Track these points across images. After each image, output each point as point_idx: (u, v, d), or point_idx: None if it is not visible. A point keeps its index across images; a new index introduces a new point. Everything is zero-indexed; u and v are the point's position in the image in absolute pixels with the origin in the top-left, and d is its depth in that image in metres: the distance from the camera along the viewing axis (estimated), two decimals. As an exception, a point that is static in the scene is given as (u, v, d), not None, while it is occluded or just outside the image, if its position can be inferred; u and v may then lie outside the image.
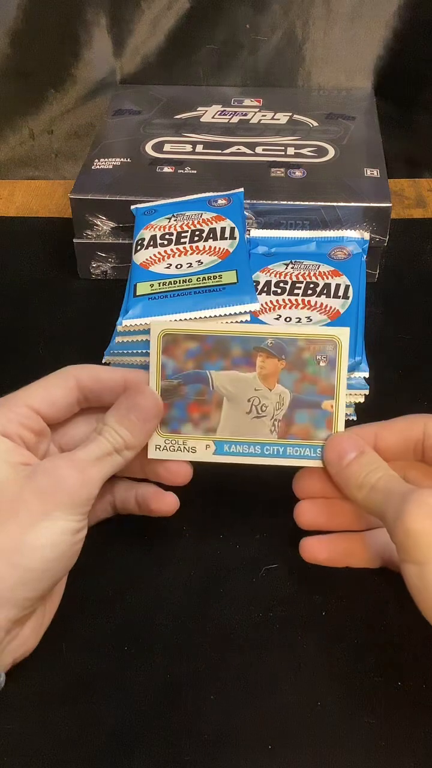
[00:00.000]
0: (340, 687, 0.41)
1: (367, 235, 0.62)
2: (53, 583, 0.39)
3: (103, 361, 0.53)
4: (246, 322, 0.51)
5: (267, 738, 0.39)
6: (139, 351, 0.52)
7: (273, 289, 0.56)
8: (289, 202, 0.65)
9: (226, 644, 0.43)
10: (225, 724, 0.40)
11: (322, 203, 0.65)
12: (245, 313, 0.50)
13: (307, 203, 0.65)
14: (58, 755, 0.39)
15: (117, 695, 0.41)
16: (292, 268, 0.58)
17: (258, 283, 0.57)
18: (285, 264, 0.59)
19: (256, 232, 0.62)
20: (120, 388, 0.43)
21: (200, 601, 0.45)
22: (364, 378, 0.51)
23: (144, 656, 0.42)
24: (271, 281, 0.57)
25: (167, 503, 0.45)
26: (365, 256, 0.60)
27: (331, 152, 0.72)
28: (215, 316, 0.51)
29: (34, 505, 0.38)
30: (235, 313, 0.50)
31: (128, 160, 0.71)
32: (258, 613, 0.44)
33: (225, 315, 0.50)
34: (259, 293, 0.57)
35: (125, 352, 0.52)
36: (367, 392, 0.51)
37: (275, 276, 0.58)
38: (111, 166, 0.70)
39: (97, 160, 0.70)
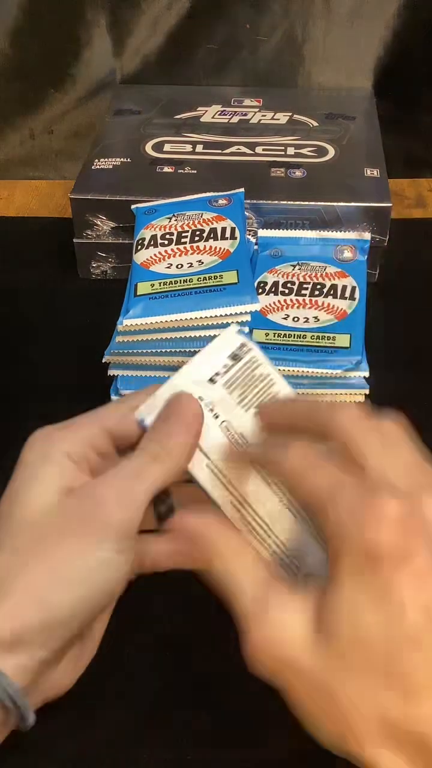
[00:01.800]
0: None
1: (367, 236, 0.62)
2: (87, 622, 0.35)
3: (104, 361, 0.53)
4: (248, 322, 0.51)
5: (267, 737, 0.39)
6: (140, 351, 0.52)
7: (281, 289, 0.57)
8: (289, 202, 0.65)
9: (227, 643, 0.43)
10: (225, 724, 0.40)
11: (322, 203, 0.65)
12: (246, 313, 0.50)
13: (307, 203, 0.65)
14: (58, 755, 0.39)
15: (117, 695, 0.41)
16: (299, 269, 0.59)
17: (266, 283, 0.58)
18: (292, 265, 0.59)
19: (263, 232, 0.62)
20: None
21: (201, 600, 0.45)
22: (364, 378, 0.51)
23: (144, 655, 0.42)
24: (278, 282, 0.58)
25: None
26: (366, 256, 0.60)
27: (331, 152, 0.72)
28: (216, 316, 0.51)
29: (70, 538, 0.34)
30: (236, 313, 0.50)
31: (128, 160, 0.71)
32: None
33: (226, 315, 0.50)
34: (267, 293, 0.57)
35: (126, 351, 0.52)
36: (367, 392, 0.51)
37: (283, 277, 0.58)
38: (111, 166, 0.70)
39: (97, 160, 0.70)
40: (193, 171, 0.69)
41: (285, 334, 0.54)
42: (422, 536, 0.29)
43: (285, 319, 0.55)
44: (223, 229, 0.58)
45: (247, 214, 0.64)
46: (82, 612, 0.34)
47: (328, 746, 0.31)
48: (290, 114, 0.78)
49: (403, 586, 0.29)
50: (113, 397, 0.53)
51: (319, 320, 0.55)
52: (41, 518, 0.34)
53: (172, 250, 0.56)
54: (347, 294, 0.57)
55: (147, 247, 0.57)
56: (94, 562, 0.34)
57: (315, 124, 0.76)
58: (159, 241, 0.57)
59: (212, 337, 0.51)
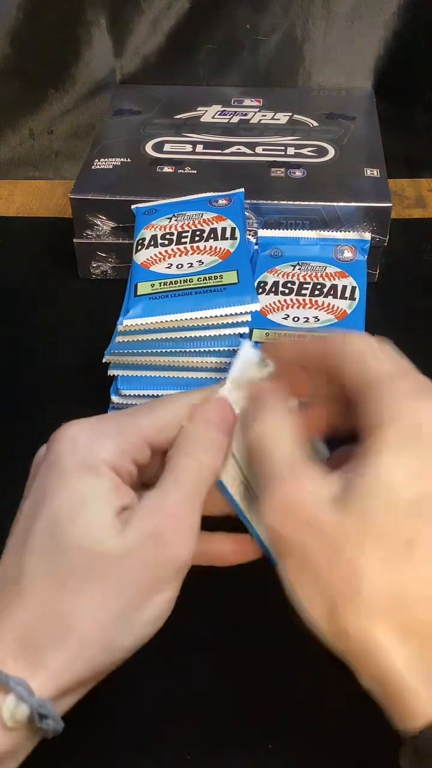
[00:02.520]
0: (342, 686, 0.41)
1: (367, 236, 0.62)
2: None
3: (104, 361, 0.53)
4: (248, 322, 0.51)
5: (267, 737, 0.39)
6: (140, 351, 0.52)
7: (281, 289, 0.57)
8: (289, 202, 0.65)
9: (228, 643, 0.43)
10: (226, 724, 0.40)
11: (322, 203, 0.65)
12: (246, 313, 0.50)
13: (307, 203, 0.65)
14: (59, 755, 0.39)
15: (118, 694, 0.41)
16: (299, 269, 0.59)
17: (266, 283, 0.58)
18: (292, 265, 0.59)
19: (263, 232, 0.62)
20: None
21: (202, 599, 0.45)
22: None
23: (144, 655, 0.42)
24: (278, 281, 0.58)
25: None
26: (366, 256, 0.60)
27: (331, 152, 0.72)
28: (216, 316, 0.50)
29: (139, 583, 0.32)
30: (236, 313, 0.50)
31: (128, 160, 0.71)
32: (261, 612, 0.44)
33: (226, 315, 0.50)
34: (267, 293, 0.57)
35: (126, 351, 0.52)
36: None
37: (283, 276, 0.58)
38: (111, 166, 0.70)
39: (97, 160, 0.70)
40: (193, 171, 0.69)
41: (285, 335, 0.54)
42: None
43: (285, 319, 0.55)
44: (223, 229, 0.57)
45: (247, 214, 0.64)
46: (138, 647, 0.33)
47: (311, 619, 0.30)
48: (290, 114, 0.78)
49: None
50: (113, 397, 0.53)
51: (319, 320, 0.55)
52: (101, 549, 0.32)
53: (172, 250, 0.56)
54: (347, 294, 0.57)
55: (147, 247, 0.57)
56: (161, 602, 0.33)
57: (315, 124, 0.76)
58: (159, 241, 0.57)
59: (212, 337, 0.51)
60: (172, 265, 0.55)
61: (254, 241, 0.62)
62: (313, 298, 0.57)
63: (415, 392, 0.32)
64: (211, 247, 0.56)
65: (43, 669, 0.30)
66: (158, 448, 0.36)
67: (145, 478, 0.37)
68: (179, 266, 0.54)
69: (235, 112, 0.79)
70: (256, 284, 0.58)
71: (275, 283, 0.58)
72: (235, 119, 0.78)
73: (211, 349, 0.51)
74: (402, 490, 0.30)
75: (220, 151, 0.72)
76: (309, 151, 0.72)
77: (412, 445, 0.30)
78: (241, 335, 0.51)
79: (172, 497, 0.34)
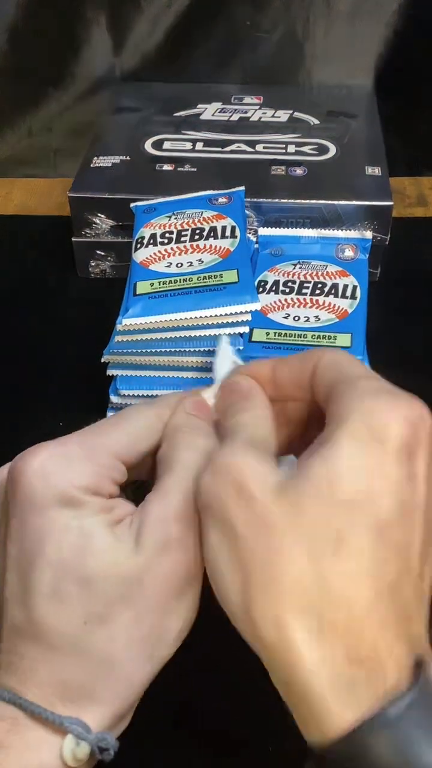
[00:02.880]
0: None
1: (368, 234, 0.61)
2: None
3: (103, 361, 0.53)
4: (248, 322, 0.51)
5: (267, 737, 0.39)
6: (139, 350, 0.52)
7: (281, 288, 0.57)
8: (289, 201, 0.65)
9: (228, 643, 0.42)
10: (225, 724, 0.39)
11: (323, 201, 0.65)
12: (246, 312, 0.50)
13: (308, 201, 0.65)
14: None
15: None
16: (300, 268, 0.59)
17: (266, 282, 0.58)
18: (293, 264, 0.59)
19: (264, 231, 0.62)
20: None
21: (202, 599, 0.44)
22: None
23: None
24: (279, 280, 0.58)
25: None
26: (367, 255, 0.60)
27: (332, 150, 0.71)
28: (216, 315, 0.50)
29: (168, 594, 0.32)
30: (236, 313, 0.50)
31: (128, 157, 0.70)
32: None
33: (226, 314, 0.50)
34: (267, 292, 0.57)
35: (125, 351, 0.52)
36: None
37: (283, 275, 0.58)
38: (110, 164, 0.69)
39: (96, 158, 0.70)
40: (193, 169, 0.68)
41: (286, 334, 0.54)
42: (426, 440, 0.30)
43: (286, 318, 0.55)
44: (224, 228, 0.57)
45: (247, 212, 0.63)
46: (177, 646, 0.33)
47: (224, 597, 0.29)
48: (291, 112, 0.78)
49: (394, 463, 0.29)
50: (112, 398, 0.53)
51: (320, 319, 0.54)
52: (118, 572, 0.31)
53: (171, 248, 0.56)
54: (348, 293, 0.57)
55: (146, 246, 0.56)
56: (189, 603, 0.32)
57: (316, 121, 0.76)
58: (159, 239, 0.57)
59: (212, 337, 0.51)
60: (171, 263, 0.54)
61: (254, 239, 0.62)
62: (314, 297, 0.56)
63: (378, 391, 0.31)
64: (211, 245, 0.56)
65: (95, 704, 0.30)
66: (131, 463, 0.35)
67: (133, 478, 0.36)
68: (179, 265, 0.54)
69: (236, 109, 0.78)
70: (256, 283, 0.57)
71: (276, 282, 0.58)
72: (236, 117, 0.77)
73: (211, 349, 0.51)
74: (343, 484, 0.29)
75: (220, 149, 0.71)
76: (310, 149, 0.71)
77: (365, 443, 0.29)
78: (241, 335, 0.51)
79: (176, 499, 0.33)
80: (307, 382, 0.34)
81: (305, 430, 0.36)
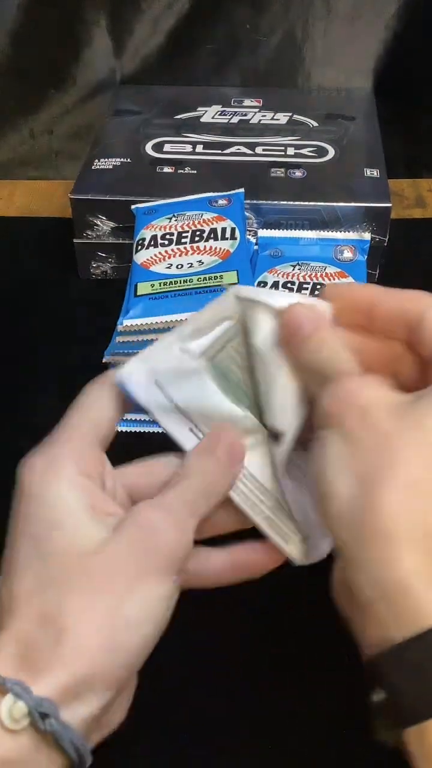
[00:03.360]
0: (341, 687, 0.41)
1: (367, 236, 0.62)
2: (146, 657, 0.33)
3: (104, 361, 0.53)
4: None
5: (268, 737, 0.39)
6: (140, 351, 0.52)
7: (281, 289, 0.57)
8: (289, 203, 0.65)
9: (227, 642, 0.43)
10: (225, 724, 0.40)
11: (322, 203, 0.65)
12: (246, 313, 0.50)
13: (307, 203, 0.65)
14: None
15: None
16: (299, 269, 0.59)
17: (265, 283, 0.58)
18: (292, 265, 0.59)
19: (263, 233, 0.62)
20: None
21: (202, 600, 0.45)
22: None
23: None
24: (278, 282, 0.58)
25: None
26: (365, 256, 0.60)
27: (331, 152, 0.72)
28: (216, 316, 0.50)
29: (127, 572, 0.31)
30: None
31: (128, 160, 0.71)
32: (261, 614, 0.44)
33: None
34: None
35: (126, 352, 0.52)
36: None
37: (282, 277, 0.58)
38: (111, 166, 0.70)
39: (97, 160, 0.70)
40: (193, 171, 0.69)
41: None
42: None
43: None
44: (223, 230, 0.58)
45: (247, 214, 0.64)
46: (145, 650, 0.32)
47: (338, 499, 0.30)
48: (290, 114, 0.78)
49: None
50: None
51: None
52: (90, 551, 0.32)
53: (172, 250, 0.56)
54: None
55: (147, 248, 0.57)
56: (156, 596, 0.32)
57: (315, 124, 0.76)
58: (159, 241, 0.57)
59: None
60: (172, 265, 0.55)
61: (254, 241, 0.62)
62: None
63: None
64: (211, 247, 0.56)
65: (42, 672, 0.30)
66: (108, 442, 0.36)
67: (137, 492, 0.36)
68: (179, 266, 0.55)
69: (235, 112, 0.79)
70: (255, 284, 0.58)
71: (275, 283, 0.58)
72: (235, 119, 0.78)
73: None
74: None
75: (220, 152, 0.72)
76: (309, 152, 0.72)
77: None
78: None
79: (169, 497, 0.34)
80: (412, 324, 0.35)
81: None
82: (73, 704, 0.30)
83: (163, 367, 0.36)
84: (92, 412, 0.36)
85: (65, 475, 0.33)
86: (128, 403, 0.36)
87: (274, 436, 0.37)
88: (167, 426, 0.36)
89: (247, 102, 0.81)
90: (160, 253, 0.56)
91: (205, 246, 0.56)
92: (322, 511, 0.31)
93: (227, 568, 0.36)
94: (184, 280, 0.53)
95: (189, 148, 0.72)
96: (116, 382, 0.36)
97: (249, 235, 0.62)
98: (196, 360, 0.37)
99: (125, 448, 0.37)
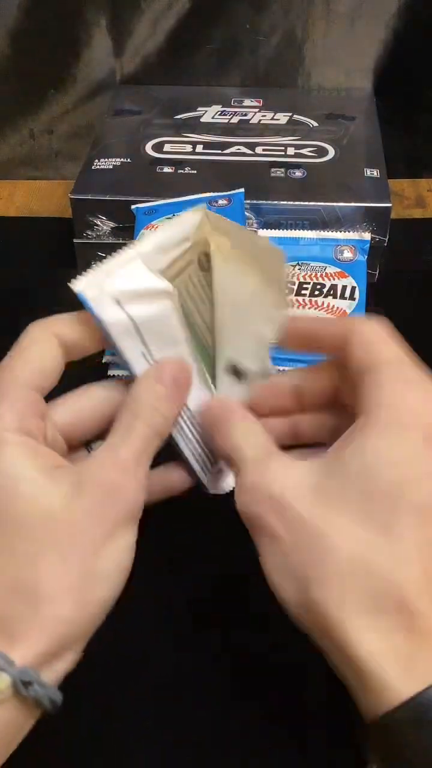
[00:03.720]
0: (341, 687, 0.41)
1: (367, 236, 0.62)
2: (115, 602, 0.34)
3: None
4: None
5: (266, 739, 0.39)
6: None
7: None
8: (289, 202, 0.65)
9: (226, 643, 0.43)
10: (224, 724, 0.40)
11: (322, 203, 0.65)
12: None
13: (307, 203, 0.65)
14: (57, 755, 0.39)
15: (116, 695, 0.41)
16: (299, 269, 0.59)
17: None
18: (292, 265, 0.59)
19: (263, 232, 0.62)
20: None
21: (202, 601, 0.45)
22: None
23: (143, 656, 0.42)
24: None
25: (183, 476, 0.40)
26: (365, 256, 0.60)
27: (331, 152, 0.72)
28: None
29: (93, 531, 0.32)
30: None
31: (128, 160, 0.71)
32: (257, 614, 0.44)
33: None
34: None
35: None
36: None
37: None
38: (111, 166, 0.70)
39: (97, 161, 0.70)
40: (193, 171, 0.69)
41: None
42: None
43: None
44: (223, 230, 0.58)
45: (247, 214, 0.64)
46: (114, 598, 0.33)
47: (281, 596, 0.31)
48: (290, 114, 0.78)
49: (430, 448, 0.30)
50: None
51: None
52: (53, 515, 0.32)
53: (172, 250, 0.56)
54: (347, 294, 0.57)
55: (147, 248, 0.57)
56: (122, 547, 0.33)
57: (315, 124, 0.76)
58: (159, 241, 0.57)
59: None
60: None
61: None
62: (313, 299, 0.57)
63: (410, 380, 0.33)
64: (211, 247, 0.56)
65: (19, 640, 0.30)
66: (44, 391, 0.36)
67: (77, 441, 0.38)
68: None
69: (235, 112, 0.79)
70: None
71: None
72: (235, 119, 0.78)
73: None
74: (382, 476, 0.30)
75: (220, 152, 0.72)
76: (309, 152, 0.72)
77: (398, 431, 0.31)
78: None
79: (123, 453, 0.34)
80: (341, 345, 0.35)
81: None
82: (53, 664, 0.31)
83: (123, 282, 0.36)
84: (33, 359, 0.36)
85: (9, 440, 0.33)
86: (77, 346, 0.37)
87: (234, 371, 0.39)
88: (121, 343, 0.36)
89: (247, 102, 0.81)
90: (160, 253, 0.56)
91: (205, 246, 0.56)
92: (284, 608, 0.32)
93: (155, 489, 0.38)
94: (184, 280, 0.53)
95: (189, 148, 0.72)
96: (76, 293, 0.35)
97: (249, 235, 0.62)
98: (160, 280, 0.36)
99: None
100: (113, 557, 0.33)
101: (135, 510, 0.34)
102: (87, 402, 0.38)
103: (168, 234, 0.37)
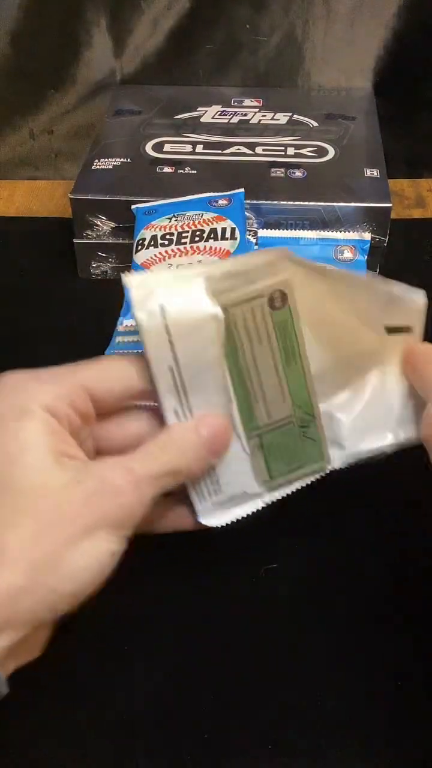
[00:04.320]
0: (341, 687, 0.41)
1: (367, 236, 0.62)
2: (76, 605, 0.34)
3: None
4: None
5: (267, 738, 0.39)
6: (141, 351, 0.52)
7: None
8: (289, 203, 0.65)
9: (226, 644, 0.43)
10: (225, 724, 0.40)
11: (322, 203, 0.65)
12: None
13: (307, 203, 0.65)
14: (57, 755, 0.39)
15: (116, 695, 0.41)
16: (175, 220, 0.59)
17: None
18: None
19: (263, 233, 0.62)
20: None
21: (201, 600, 0.45)
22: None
23: (143, 656, 0.42)
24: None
25: None
26: (366, 256, 0.60)
27: (331, 152, 0.72)
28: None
29: (78, 517, 0.32)
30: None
31: (128, 160, 0.71)
32: (258, 614, 0.44)
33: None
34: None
35: (126, 352, 0.52)
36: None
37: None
38: (111, 166, 0.70)
39: (97, 161, 0.70)
40: (193, 171, 0.69)
41: None
42: None
43: None
44: (224, 230, 0.58)
45: (247, 214, 0.64)
46: (78, 597, 0.33)
47: None
48: (290, 114, 0.78)
49: None
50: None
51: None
52: (44, 493, 0.32)
53: (172, 250, 0.56)
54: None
55: (147, 248, 0.57)
56: (100, 549, 0.33)
57: (315, 124, 0.76)
58: (159, 241, 0.57)
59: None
60: (172, 265, 0.55)
61: (254, 241, 0.62)
62: (194, 245, 0.56)
63: None
64: (211, 247, 0.56)
65: None
66: (99, 399, 0.36)
67: (106, 445, 0.37)
68: (179, 266, 0.55)
69: (235, 112, 0.79)
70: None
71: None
72: (235, 119, 0.78)
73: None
74: None
75: (220, 152, 0.72)
76: (309, 152, 0.72)
77: None
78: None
79: (137, 467, 0.34)
80: None
81: None
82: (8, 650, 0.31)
83: (173, 294, 0.34)
84: (83, 369, 0.36)
85: (36, 414, 0.33)
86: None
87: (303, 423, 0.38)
88: (160, 386, 0.35)
89: (247, 102, 0.81)
90: (160, 253, 0.56)
91: (205, 246, 0.56)
92: None
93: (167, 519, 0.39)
94: (184, 280, 0.53)
95: (189, 148, 0.72)
96: (125, 286, 0.34)
97: (249, 235, 0.62)
98: (212, 305, 0.34)
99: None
100: (87, 554, 0.32)
101: (126, 519, 0.33)
102: (129, 422, 0.38)
103: (243, 262, 0.36)
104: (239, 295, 0.35)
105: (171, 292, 0.34)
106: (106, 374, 0.36)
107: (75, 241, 0.68)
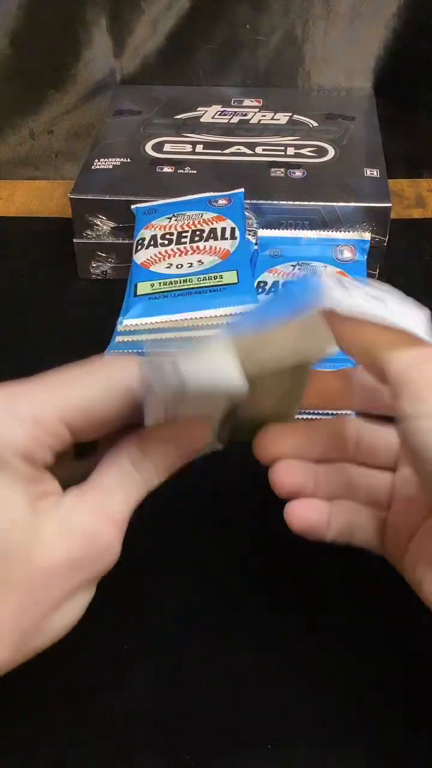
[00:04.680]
0: (340, 686, 0.41)
1: (367, 236, 0.62)
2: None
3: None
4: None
5: (267, 737, 0.39)
6: (140, 351, 0.52)
7: (280, 288, 0.57)
8: (288, 202, 0.65)
9: (225, 643, 0.43)
10: (225, 724, 0.40)
11: (322, 203, 0.65)
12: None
13: (307, 203, 0.65)
14: (56, 756, 0.39)
15: (116, 695, 0.41)
16: (299, 269, 0.59)
17: (265, 283, 0.58)
18: (292, 265, 0.59)
19: (263, 232, 0.62)
20: None
21: (200, 600, 0.45)
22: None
23: (143, 655, 0.42)
24: (278, 281, 0.58)
25: None
26: (365, 256, 0.60)
27: (331, 152, 0.72)
28: (216, 316, 0.51)
29: (65, 582, 0.31)
30: (236, 313, 0.50)
31: (128, 160, 0.71)
32: (258, 613, 0.44)
33: (226, 315, 0.51)
34: (267, 293, 0.57)
35: (126, 352, 0.52)
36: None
37: (283, 276, 0.59)
38: (111, 166, 0.70)
39: (97, 160, 0.70)
40: (193, 171, 0.69)
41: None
42: None
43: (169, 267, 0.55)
44: (223, 230, 0.58)
45: (246, 214, 0.64)
46: (47, 647, 0.33)
47: None
48: (290, 114, 0.78)
49: None
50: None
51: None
52: (22, 554, 0.30)
53: (172, 250, 0.56)
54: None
55: (147, 247, 0.57)
56: (77, 608, 0.33)
57: (315, 124, 0.76)
58: (159, 241, 0.57)
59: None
60: (171, 265, 0.55)
61: (254, 241, 0.62)
62: (193, 244, 0.57)
63: None
64: (210, 247, 0.56)
65: None
66: (79, 428, 0.32)
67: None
68: (179, 266, 0.55)
69: (235, 112, 0.79)
70: (255, 284, 0.58)
71: (275, 283, 0.58)
72: (235, 119, 0.78)
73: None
74: None
75: (219, 152, 0.72)
76: (309, 152, 0.72)
77: None
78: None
79: (117, 505, 0.32)
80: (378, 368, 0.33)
81: None
82: None
83: (195, 365, 0.32)
84: (75, 394, 0.33)
85: (14, 451, 0.30)
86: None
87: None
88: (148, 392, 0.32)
89: (247, 102, 0.81)
90: (159, 252, 0.56)
91: (204, 246, 0.56)
92: None
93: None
94: (183, 280, 0.53)
95: (189, 148, 0.72)
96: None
97: (249, 235, 0.62)
98: (240, 379, 0.32)
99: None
100: (67, 616, 0.32)
101: (107, 569, 0.33)
102: (96, 386, 0.33)
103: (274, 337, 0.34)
104: (268, 367, 0.34)
105: (192, 365, 0.32)
106: (89, 403, 0.33)
107: (75, 241, 0.68)
